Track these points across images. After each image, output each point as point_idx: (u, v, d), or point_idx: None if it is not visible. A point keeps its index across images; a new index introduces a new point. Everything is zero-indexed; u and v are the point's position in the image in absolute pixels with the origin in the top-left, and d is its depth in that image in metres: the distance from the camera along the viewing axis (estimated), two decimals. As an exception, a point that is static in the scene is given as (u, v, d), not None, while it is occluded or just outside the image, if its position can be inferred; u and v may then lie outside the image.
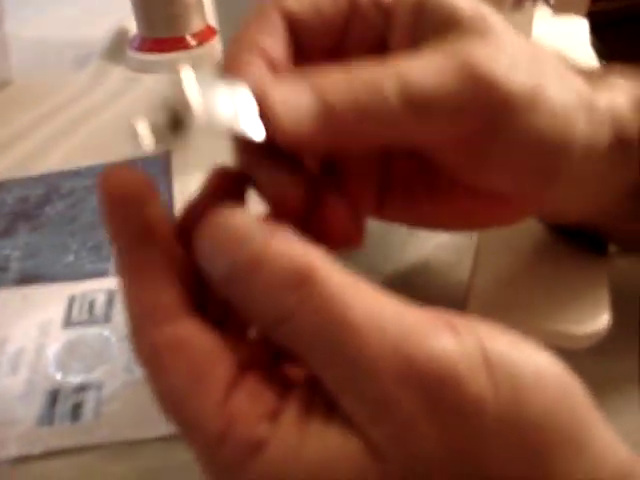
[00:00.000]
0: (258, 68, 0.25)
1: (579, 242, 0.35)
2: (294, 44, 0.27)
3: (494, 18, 0.27)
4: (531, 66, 0.26)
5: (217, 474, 0.22)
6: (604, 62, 0.57)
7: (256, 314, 0.21)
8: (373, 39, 0.28)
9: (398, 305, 0.21)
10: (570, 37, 0.61)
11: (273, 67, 0.26)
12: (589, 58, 0.58)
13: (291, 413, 0.21)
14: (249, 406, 0.21)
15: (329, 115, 0.23)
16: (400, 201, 0.31)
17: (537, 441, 0.20)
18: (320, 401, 0.21)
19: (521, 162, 0.27)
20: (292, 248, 0.21)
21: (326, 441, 0.20)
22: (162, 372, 0.21)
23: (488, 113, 0.25)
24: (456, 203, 0.30)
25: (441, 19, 0.27)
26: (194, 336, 0.22)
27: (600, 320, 0.31)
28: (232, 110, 0.23)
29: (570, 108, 0.27)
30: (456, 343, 0.20)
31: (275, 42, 0.26)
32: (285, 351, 0.22)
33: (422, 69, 0.25)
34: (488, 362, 0.20)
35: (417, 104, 0.24)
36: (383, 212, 0.31)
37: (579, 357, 0.33)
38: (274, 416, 0.21)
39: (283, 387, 0.22)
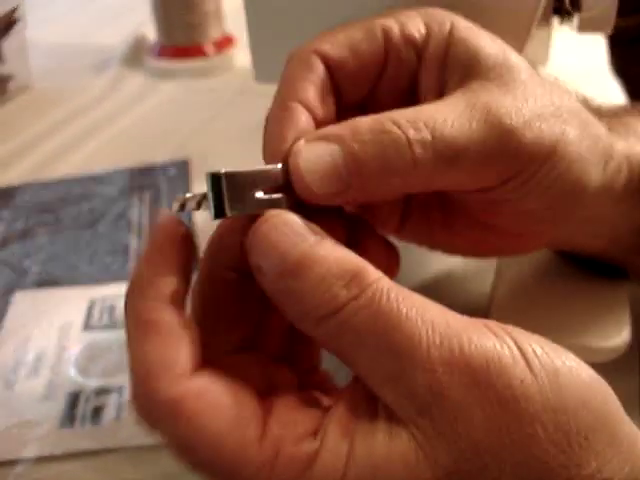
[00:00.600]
0: (300, 122, 0.25)
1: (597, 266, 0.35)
2: (334, 87, 0.27)
3: (519, 66, 0.27)
4: (553, 116, 0.26)
5: None
6: (621, 79, 0.57)
7: (305, 310, 0.22)
8: (407, 78, 0.28)
9: (442, 308, 0.22)
10: (588, 54, 0.61)
11: (314, 117, 0.26)
12: (607, 74, 0.58)
13: (336, 421, 0.22)
14: (289, 429, 0.22)
15: (355, 173, 0.24)
16: (417, 226, 0.32)
17: (577, 425, 0.20)
18: (363, 404, 0.22)
19: (535, 209, 0.28)
20: (342, 250, 0.22)
21: (374, 440, 0.21)
22: (189, 424, 0.21)
23: (510, 164, 0.26)
24: (470, 235, 0.31)
25: (467, 64, 0.27)
26: (215, 381, 0.22)
27: (622, 335, 0.31)
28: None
29: (588, 158, 0.27)
30: (497, 340, 0.21)
31: (317, 91, 0.26)
32: (328, 349, 0.23)
33: (450, 119, 0.25)
34: (525, 355, 0.21)
35: (446, 157, 0.24)
36: (402, 233, 0.32)
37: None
38: (317, 431, 0.22)
39: (316, 406, 0.23)
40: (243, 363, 0.25)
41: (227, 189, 0.24)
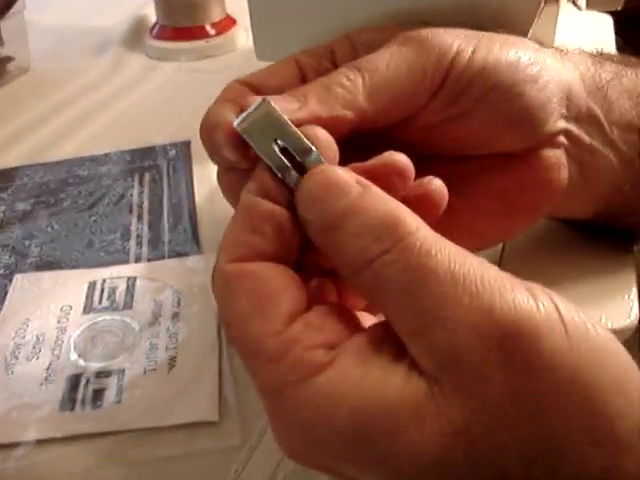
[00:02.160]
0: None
1: (605, 240, 0.35)
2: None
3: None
4: (465, 33, 0.29)
5: (271, 395, 0.22)
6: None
7: (343, 260, 0.23)
8: None
9: (482, 262, 0.21)
10: (594, 33, 0.61)
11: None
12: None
13: (356, 346, 0.22)
14: (309, 333, 0.22)
15: (305, 100, 0.27)
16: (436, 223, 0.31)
17: (604, 408, 0.20)
18: (389, 345, 0.22)
19: (492, 104, 0.29)
20: (384, 202, 0.23)
21: (390, 378, 0.21)
22: (230, 296, 0.23)
23: (434, 63, 0.28)
24: (485, 188, 0.31)
25: (373, 46, 0.30)
26: (264, 269, 0.23)
27: (630, 315, 0.30)
28: None
29: (523, 48, 0.29)
30: (534, 301, 0.20)
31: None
32: (365, 299, 0.23)
33: (366, 57, 0.28)
34: (565, 322, 0.20)
35: (370, 70, 0.28)
36: None
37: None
38: (334, 346, 0.22)
39: (350, 324, 0.23)
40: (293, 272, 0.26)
41: None
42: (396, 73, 0.27)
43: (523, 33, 0.32)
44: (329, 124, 0.26)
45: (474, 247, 0.33)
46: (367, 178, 0.24)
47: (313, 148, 0.24)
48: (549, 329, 0.20)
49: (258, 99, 0.25)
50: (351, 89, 0.27)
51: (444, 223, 0.31)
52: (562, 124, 0.30)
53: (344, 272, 0.23)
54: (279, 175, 0.24)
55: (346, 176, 0.23)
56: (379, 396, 0.21)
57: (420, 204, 0.25)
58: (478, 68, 0.28)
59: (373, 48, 0.29)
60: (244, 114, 0.25)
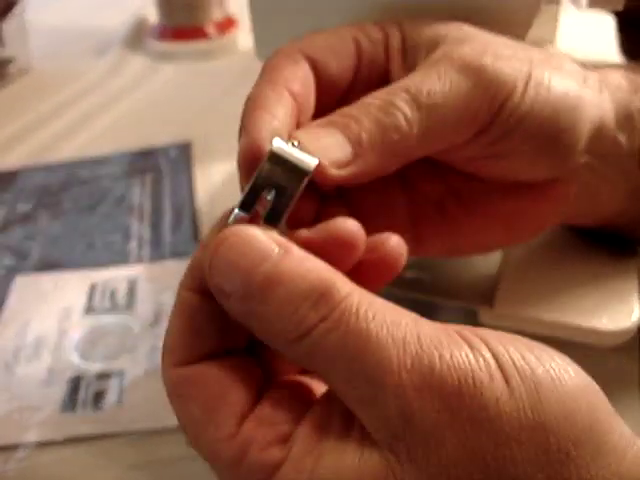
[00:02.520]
0: (286, 106, 0.26)
1: (608, 241, 0.34)
2: (316, 84, 0.28)
3: (472, 28, 0.29)
4: (516, 53, 0.28)
5: None
6: (631, 61, 0.56)
7: (274, 333, 0.21)
8: (378, 78, 0.30)
9: (415, 319, 0.21)
10: (596, 34, 0.60)
11: (302, 111, 0.27)
12: (615, 56, 0.57)
13: (305, 434, 0.21)
14: (260, 432, 0.21)
15: (358, 143, 0.25)
16: (438, 229, 0.31)
17: (558, 442, 0.19)
18: (337, 419, 0.21)
19: (536, 138, 0.28)
20: (309, 264, 0.21)
21: (343, 458, 0.20)
22: (180, 403, 0.23)
23: (491, 96, 0.27)
24: (493, 210, 0.31)
25: (426, 43, 0.29)
26: (208, 371, 0.22)
27: (631, 317, 0.30)
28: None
29: (566, 78, 0.28)
30: (472, 353, 0.20)
31: (306, 87, 0.27)
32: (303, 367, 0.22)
33: (421, 78, 0.26)
34: (503, 368, 0.20)
35: (429, 106, 0.26)
36: (422, 247, 0.31)
37: (602, 355, 0.33)
38: (287, 439, 0.21)
39: (298, 409, 0.22)
40: (240, 360, 0.25)
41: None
42: (452, 109, 0.26)
43: (522, 32, 0.32)
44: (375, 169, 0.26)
45: (474, 252, 0.33)
46: (311, 249, 0.22)
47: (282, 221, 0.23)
48: (489, 379, 0.19)
49: (314, 161, 0.23)
50: (407, 134, 0.26)
51: (448, 232, 0.31)
52: (585, 159, 0.30)
53: (276, 344, 0.22)
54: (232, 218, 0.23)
55: (265, 237, 0.21)
56: (336, 479, 0.20)
57: (374, 267, 0.24)
58: (527, 109, 0.27)
59: (422, 49, 0.28)
60: (288, 150, 0.23)
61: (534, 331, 0.30)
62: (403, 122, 0.25)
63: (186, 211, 0.49)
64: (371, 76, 0.29)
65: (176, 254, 0.45)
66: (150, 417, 0.34)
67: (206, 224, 0.47)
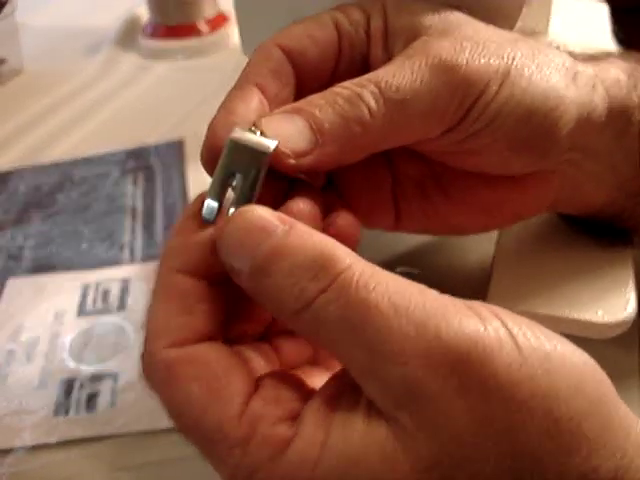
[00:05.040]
0: (251, 100, 0.26)
1: (603, 233, 0.34)
2: (296, 78, 0.28)
3: (458, 18, 0.28)
4: (500, 47, 0.27)
5: None
6: (624, 48, 0.55)
7: (279, 305, 0.21)
8: (361, 60, 0.29)
9: (421, 289, 0.21)
10: (589, 22, 0.60)
11: (269, 98, 0.27)
12: (608, 44, 0.57)
13: (314, 410, 0.21)
14: (269, 409, 0.21)
15: (319, 132, 0.25)
16: (417, 208, 0.31)
17: (569, 412, 0.19)
18: (346, 393, 0.21)
19: (511, 135, 0.28)
20: (312, 238, 0.21)
21: (351, 430, 0.20)
22: (176, 385, 0.22)
23: (462, 95, 0.26)
24: (471, 197, 0.31)
25: (405, 30, 0.28)
26: (208, 351, 0.22)
27: (627, 308, 0.30)
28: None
29: (550, 76, 0.28)
30: (480, 322, 0.20)
31: (278, 78, 0.27)
32: (308, 341, 0.22)
33: (394, 72, 0.26)
34: (514, 337, 0.20)
35: (395, 101, 0.25)
36: (401, 224, 0.31)
37: (600, 347, 0.32)
38: (296, 416, 0.21)
39: (302, 389, 0.23)
40: (241, 348, 0.25)
41: None
42: (420, 106, 0.26)
43: (511, 22, 0.31)
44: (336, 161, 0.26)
45: (451, 234, 0.33)
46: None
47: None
48: (499, 347, 0.19)
49: (272, 143, 0.24)
50: (370, 127, 0.25)
51: (426, 212, 0.31)
52: (567, 155, 0.29)
53: (282, 317, 0.22)
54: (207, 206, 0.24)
55: (269, 215, 0.22)
56: (345, 451, 0.20)
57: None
58: (497, 111, 0.27)
59: (402, 37, 0.28)
60: (245, 136, 0.24)
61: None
62: (367, 115, 0.25)
63: (179, 210, 0.48)
64: (353, 61, 0.29)
65: (169, 253, 0.44)
66: (143, 419, 0.34)
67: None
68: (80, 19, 0.84)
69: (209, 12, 0.75)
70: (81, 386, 0.35)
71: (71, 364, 0.37)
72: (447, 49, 0.26)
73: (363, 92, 0.25)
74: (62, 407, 0.34)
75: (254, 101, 0.26)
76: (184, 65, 0.72)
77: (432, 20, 0.28)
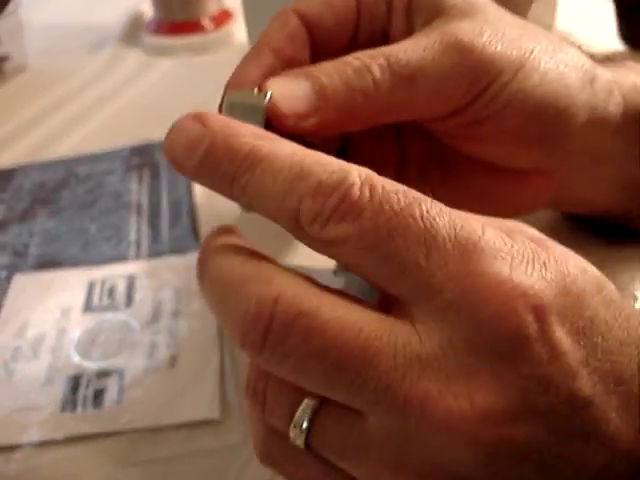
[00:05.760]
0: (265, 63, 0.27)
1: (608, 232, 0.34)
2: (312, 44, 0.29)
3: (484, 3, 0.28)
4: (521, 38, 0.27)
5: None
6: (630, 46, 0.55)
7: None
8: (380, 30, 0.29)
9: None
10: (595, 18, 0.60)
11: (284, 61, 0.28)
12: (614, 42, 0.57)
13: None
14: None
15: (323, 97, 0.25)
16: (415, 187, 0.31)
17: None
18: None
19: (517, 128, 0.28)
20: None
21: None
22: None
23: (472, 79, 0.26)
24: (471, 187, 0.31)
25: (429, 6, 0.28)
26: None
27: (635, 305, 0.30)
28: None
29: (565, 71, 0.27)
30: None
31: (293, 43, 0.28)
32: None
33: (407, 47, 0.26)
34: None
35: (402, 76, 0.26)
36: None
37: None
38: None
39: None
40: None
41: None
42: (428, 83, 0.26)
43: (521, 15, 0.31)
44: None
45: None
46: None
47: None
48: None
49: (266, 97, 0.25)
50: (373, 99, 0.26)
51: (423, 193, 0.31)
52: (574, 158, 0.29)
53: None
54: None
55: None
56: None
57: None
58: (507, 101, 0.27)
59: (426, 10, 0.28)
60: (241, 96, 0.25)
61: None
62: (371, 86, 0.25)
63: (184, 206, 0.48)
64: (373, 32, 0.29)
65: (175, 250, 0.44)
66: (151, 415, 0.34)
67: (204, 219, 0.47)
68: (84, 16, 0.84)
69: (213, 9, 0.75)
70: (88, 382, 0.35)
71: (77, 360, 0.37)
72: (465, 30, 0.26)
73: (372, 64, 0.26)
74: (69, 403, 0.34)
75: (267, 63, 0.27)
76: (188, 62, 0.72)
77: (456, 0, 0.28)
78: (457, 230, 0.20)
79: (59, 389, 0.35)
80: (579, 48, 0.30)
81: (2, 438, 0.33)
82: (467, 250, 0.20)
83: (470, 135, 0.28)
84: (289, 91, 0.25)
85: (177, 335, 0.37)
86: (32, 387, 0.36)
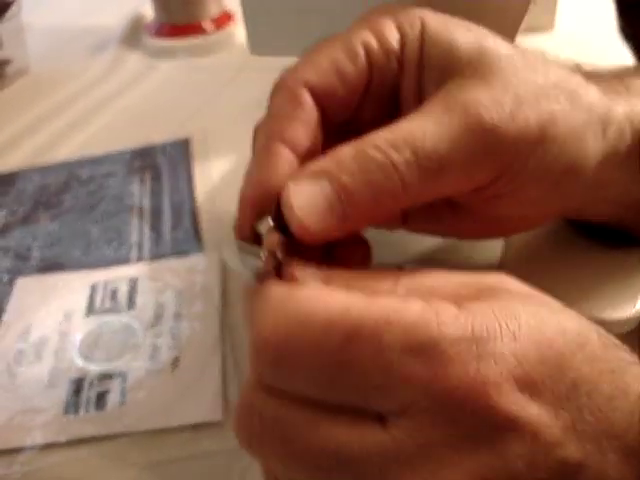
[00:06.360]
0: (281, 165, 0.25)
1: (611, 237, 0.34)
2: (321, 115, 0.27)
3: (497, 54, 0.26)
4: (538, 100, 0.26)
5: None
6: (630, 43, 0.55)
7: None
8: (390, 88, 0.28)
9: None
10: (595, 17, 0.60)
11: (300, 153, 0.26)
12: (614, 39, 0.57)
13: None
14: None
15: (348, 205, 0.24)
16: (422, 219, 0.31)
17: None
18: None
19: (536, 195, 0.27)
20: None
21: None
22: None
23: (495, 161, 0.25)
24: (478, 223, 0.30)
25: (442, 63, 0.27)
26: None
27: (635, 305, 0.30)
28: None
29: (583, 131, 0.27)
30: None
31: (307, 129, 0.26)
32: None
33: (429, 131, 0.24)
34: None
35: (430, 170, 0.24)
36: (407, 225, 0.32)
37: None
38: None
39: None
40: None
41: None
42: (455, 172, 0.25)
43: (519, 17, 0.31)
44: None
45: (454, 237, 0.33)
46: None
47: None
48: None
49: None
50: (402, 198, 0.25)
51: (432, 220, 0.31)
52: (581, 196, 0.29)
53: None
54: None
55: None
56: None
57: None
58: (530, 175, 0.26)
59: (439, 66, 0.27)
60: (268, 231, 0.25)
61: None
62: (399, 187, 0.24)
63: (186, 208, 0.49)
64: (383, 89, 0.28)
65: (177, 252, 0.45)
66: (153, 417, 0.34)
67: (206, 221, 0.47)
68: (85, 19, 0.84)
69: (214, 11, 0.75)
70: (90, 385, 0.36)
71: (80, 363, 0.37)
72: (486, 107, 0.25)
73: (398, 160, 0.24)
74: (72, 406, 0.35)
75: (282, 166, 0.25)
76: (189, 64, 0.72)
77: (470, 53, 0.26)
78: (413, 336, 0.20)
79: (62, 392, 0.35)
80: (588, 77, 0.29)
81: (6, 441, 0.33)
82: (428, 356, 0.20)
83: (487, 203, 0.28)
84: (312, 205, 0.24)
85: (179, 337, 0.38)
86: (35, 390, 0.36)
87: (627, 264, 0.32)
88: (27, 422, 0.34)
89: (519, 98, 0.25)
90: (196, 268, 0.43)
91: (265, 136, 0.26)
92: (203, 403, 0.34)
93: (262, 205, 0.25)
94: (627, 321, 0.30)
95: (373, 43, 0.27)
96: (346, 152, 0.24)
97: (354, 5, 0.31)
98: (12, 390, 0.36)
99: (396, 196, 0.24)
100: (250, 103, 0.60)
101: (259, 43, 0.33)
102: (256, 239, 0.25)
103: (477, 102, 0.25)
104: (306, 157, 0.26)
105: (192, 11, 0.74)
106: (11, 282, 0.44)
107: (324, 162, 0.25)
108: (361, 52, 0.27)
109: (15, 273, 0.44)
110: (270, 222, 0.24)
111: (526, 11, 0.31)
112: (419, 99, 0.27)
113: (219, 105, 0.62)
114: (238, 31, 0.75)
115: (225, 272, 0.42)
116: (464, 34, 0.27)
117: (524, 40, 0.34)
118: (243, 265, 0.25)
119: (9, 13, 0.70)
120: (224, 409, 0.33)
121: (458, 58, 0.26)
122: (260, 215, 0.25)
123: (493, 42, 0.27)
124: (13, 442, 0.33)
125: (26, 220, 0.50)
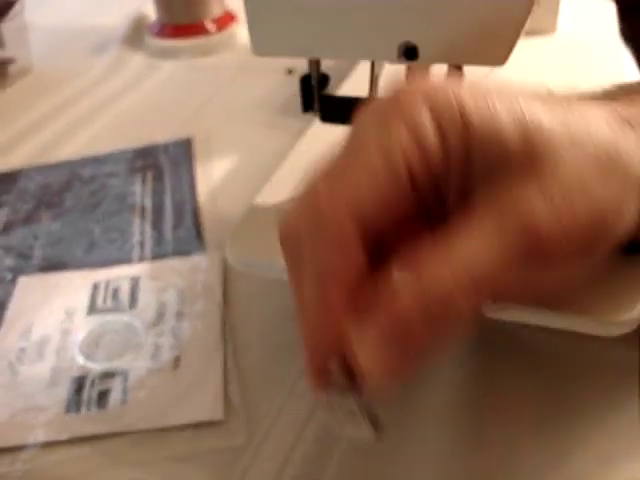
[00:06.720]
0: (337, 316, 0.25)
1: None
2: (366, 239, 0.25)
3: (542, 139, 0.25)
4: (593, 200, 0.25)
5: None
6: (631, 46, 0.55)
7: None
8: (432, 183, 0.26)
9: None
10: (597, 20, 0.60)
11: (354, 289, 0.25)
12: (615, 42, 0.57)
13: None
14: None
15: (410, 344, 0.24)
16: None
17: None
18: None
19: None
20: None
21: None
22: None
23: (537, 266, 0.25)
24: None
25: (489, 163, 0.25)
26: None
27: (637, 307, 0.30)
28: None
29: (625, 207, 0.26)
30: None
31: (357, 271, 0.25)
32: None
33: (489, 258, 0.24)
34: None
35: (485, 298, 0.24)
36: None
37: (602, 345, 0.32)
38: None
39: None
40: None
41: None
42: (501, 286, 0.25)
43: (522, 20, 0.31)
44: None
45: None
46: None
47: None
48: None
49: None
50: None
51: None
52: None
53: None
54: None
55: None
56: None
57: None
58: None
59: (486, 163, 0.25)
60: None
61: (537, 322, 0.30)
62: (459, 326, 0.24)
63: (188, 208, 0.49)
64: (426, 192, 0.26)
65: (178, 251, 0.45)
66: (154, 416, 0.34)
67: (208, 221, 0.47)
68: (88, 18, 0.84)
69: (216, 11, 0.75)
70: (92, 384, 0.36)
71: (82, 362, 0.37)
72: (540, 216, 0.24)
73: (456, 294, 0.23)
74: (73, 404, 0.35)
75: (339, 314, 0.25)
76: (191, 64, 0.72)
77: (516, 145, 0.25)
78: None
79: (63, 390, 0.36)
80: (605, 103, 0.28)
81: (7, 439, 0.33)
82: None
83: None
84: (379, 365, 0.24)
85: (181, 336, 0.38)
86: (37, 388, 0.36)
87: (628, 264, 0.32)
88: (29, 420, 0.34)
89: (569, 193, 0.25)
90: (198, 267, 0.43)
91: (317, 279, 0.25)
92: (204, 402, 0.34)
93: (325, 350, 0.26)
94: (628, 322, 0.30)
95: (413, 156, 0.25)
96: (404, 297, 0.24)
97: (356, 6, 0.31)
98: (14, 388, 0.36)
99: (453, 322, 0.24)
100: (252, 102, 0.60)
101: (262, 43, 0.33)
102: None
103: (531, 214, 0.24)
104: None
105: (194, 11, 0.74)
106: (13, 281, 0.44)
107: (382, 315, 0.24)
108: (403, 169, 0.25)
109: (17, 272, 0.45)
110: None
111: (529, 13, 0.31)
112: (463, 192, 0.26)
113: (221, 105, 0.62)
114: (240, 31, 0.75)
115: (227, 272, 0.42)
116: (508, 122, 0.25)
117: (526, 42, 0.35)
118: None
119: (12, 12, 0.70)
120: (225, 408, 0.34)
121: (504, 151, 0.25)
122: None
123: (535, 123, 0.25)
124: (15, 440, 0.33)
125: (28, 219, 0.50)
